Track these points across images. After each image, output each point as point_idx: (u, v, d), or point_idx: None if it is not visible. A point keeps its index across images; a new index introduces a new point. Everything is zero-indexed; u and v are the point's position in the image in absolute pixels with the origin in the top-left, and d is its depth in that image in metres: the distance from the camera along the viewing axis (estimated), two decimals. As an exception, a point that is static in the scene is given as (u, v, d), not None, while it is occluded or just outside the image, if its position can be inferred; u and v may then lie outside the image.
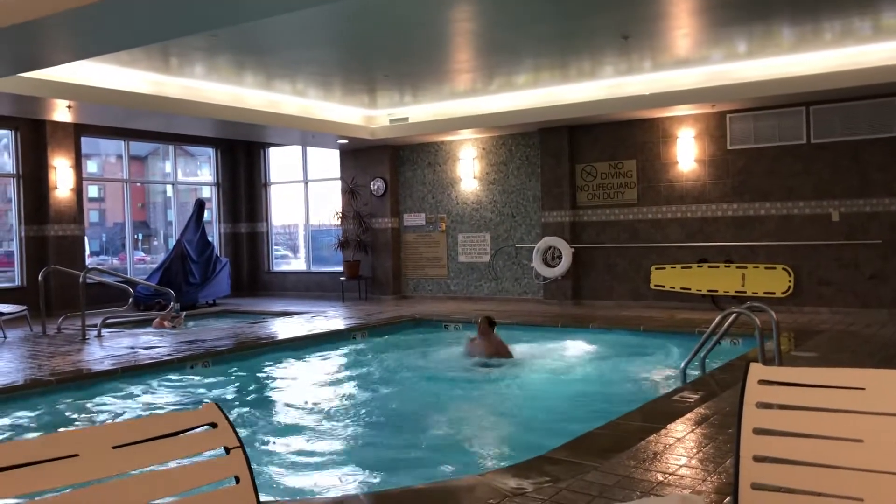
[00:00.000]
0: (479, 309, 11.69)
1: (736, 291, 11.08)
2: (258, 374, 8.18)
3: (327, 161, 15.56)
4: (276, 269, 16.53)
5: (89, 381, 7.12)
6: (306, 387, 7.76)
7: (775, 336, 6.09)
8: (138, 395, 7.05)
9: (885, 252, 10.35)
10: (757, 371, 2.11)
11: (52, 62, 8.04)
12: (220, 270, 14.37)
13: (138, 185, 15.90)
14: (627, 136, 12.21)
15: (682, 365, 6.63)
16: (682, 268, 11.69)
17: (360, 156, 14.78)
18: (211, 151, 16.21)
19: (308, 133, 12.99)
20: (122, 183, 14.63)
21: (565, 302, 12.62)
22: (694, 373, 6.66)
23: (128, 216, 14.60)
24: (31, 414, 6.34)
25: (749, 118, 11.24)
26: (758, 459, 2.05)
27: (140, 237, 16.21)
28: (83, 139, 13.37)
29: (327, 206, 15.50)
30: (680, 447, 4.30)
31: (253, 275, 16.49)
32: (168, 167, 15.74)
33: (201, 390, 7.45)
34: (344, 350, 9.47)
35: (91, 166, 15.08)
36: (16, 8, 6.16)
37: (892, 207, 10.32)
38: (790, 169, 10.96)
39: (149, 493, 1.82)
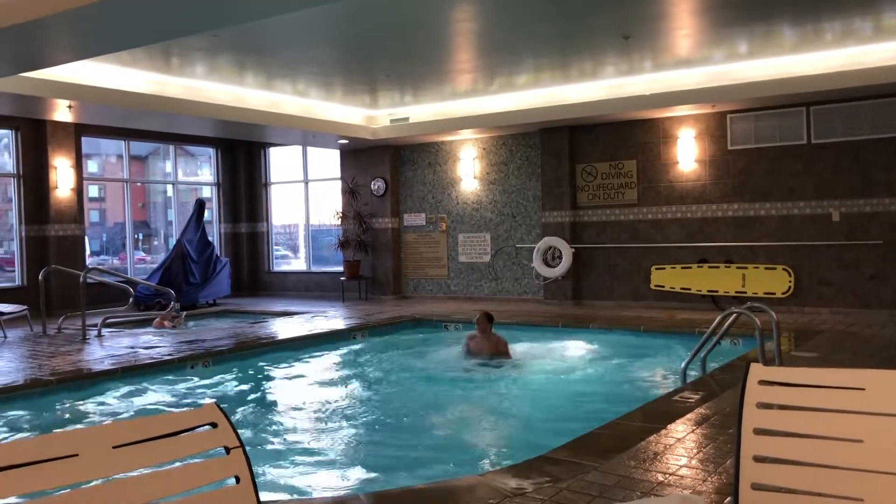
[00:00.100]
0: (479, 309, 11.68)
1: (736, 292, 11.08)
2: (258, 374, 8.18)
3: (328, 161, 15.56)
4: (276, 269, 16.54)
5: (89, 381, 7.12)
6: (306, 387, 7.76)
7: (775, 336, 6.09)
8: (138, 395, 7.05)
9: (885, 252, 10.34)
10: (757, 371, 2.11)
11: (52, 62, 8.05)
12: (220, 270, 14.37)
13: (139, 184, 15.90)
14: (628, 137, 12.20)
15: (683, 365, 6.62)
16: (683, 268, 11.68)
17: (360, 156, 14.78)
18: (211, 151, 16.21)
19: (309, 133, 12.99)
20: (122, 183, 14.63)
21: (565, 302, 12.61)
22: (694, 373, 6.65)
23: (128, 216, 14.60)
24: (32, 414, 6.35)
25: (750, 118, 11.23)
26: (758, 460, 2.05)
27: (140, 237, 16.22)
28: (84, 139, 13.38)
29: (328, 206, 15.51)
30: (680, 447, 4.30)
31: (253, 275, 16.49)
32: (168, 167, 15.74)
33: (201, 390, 7.45)
34: (344, 350, 9.47)
35: (91, 166, 15.08)
36: (17, 8, 6.16)
37: (892, 208, 10.32)
38: (791, 169, 10.96)
39: (149, 493, 1.83)
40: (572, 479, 3.74)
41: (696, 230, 11.70)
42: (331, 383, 7.91)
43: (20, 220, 12.56)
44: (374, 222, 14.72)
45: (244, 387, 7.65)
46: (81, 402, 6.75)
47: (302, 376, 8.28)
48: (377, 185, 14.64)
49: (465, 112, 12.56)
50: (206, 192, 16.23)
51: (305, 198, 16.05)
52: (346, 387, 7.74)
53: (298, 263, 16.60)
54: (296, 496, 4.41)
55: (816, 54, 9.70)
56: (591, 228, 12.60)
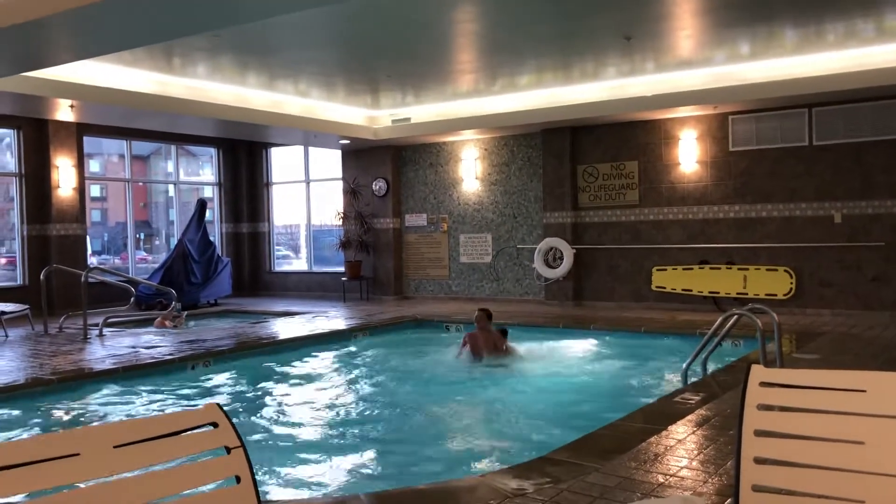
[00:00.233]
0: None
1: (737, 293, 11.08)
2: (259, 375, 8.17)
3: (329, 161, 15.57)
4: (277, 269, 16.54)
5: (90, 381, 7.13)
6: (307, 387, 7.76)
7: (777, 338, 6.09)
8: (139, 395, 7.05)
9: (887, 254, 10.34)
10: (758, 373, 2.11)
11: (54, 62, 8.05)
12: (221, 270, 14.37)
13: (140, 184, 15.91)
14: (629, 138, 12.20)
15: (684, 366, 6.62)
16: (684, 269, 11.68)
17: (361, 156, 14.79)
18: (213, 151, 16.22)
19: (310, 133, 13.00)
20: (124, 182, 14.64)
21: (566, 303, 12.61)
22: (695, 375, 6.65)
23: (130, 216, 14.62)
24: (33, 413, 6.35)
25: (751, 120, 11.23)
26: (759, 461, 2.05)
27: (142, 237, 16.23)
28: (85, 138, 13.39)
29: (329, 207, 15.51)
30: (681, 449, 4.30)
31: (254, 275, 16.50)
32: (170, 167, 15.75)
33: (202, 390, 7.46)
34: (345, 350, 9.47)
35: (93, 166, 15.09)
36: (18, 7, 6.17)
37: (894, 209, 10.31)
38: (792, 170, 10.95)
39: (149, 493, 1.83)
40: (573, 479, 3.74)
41: (697, 231, 11.70)
42: (332, 383, 7.91)
43: (22, 219, 12.58)
44: (375, 223, 14.72)
45: (245, 387, 7.66)
46: (82, 402, 6.76)
47: (303, 376, 8.28)
48: (378, 186, 14.65)
49: (467, 113, 12.56)
50: (208, 192, 16.24)
51: (307, 198, 16.05)
52: (346, 387, 7.74)
53: (300, 263, 16.60)
54: (296, 496, 4.41)
55: (818, 56, 9.70)
56: (593, 229, 12.60)
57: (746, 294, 10.95)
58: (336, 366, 8.86)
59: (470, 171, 13.84)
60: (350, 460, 5.26)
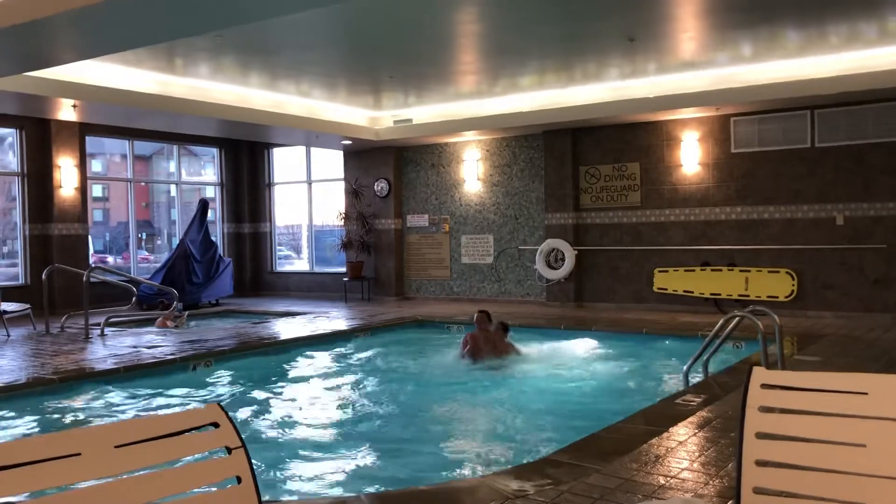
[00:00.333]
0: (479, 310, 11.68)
1: (739, 295, 11.06)
2: (260, 375, 8.17)
3: (331, 162, 15.58)
4: (278, 269, 16.55)
5: (92, 380, 7.13)
6: (309, 387, 7.76)
7: (778, 340, 6.08)
8: (140, 395, 7.05)
9: (889, 256, 10.33)
10: (760, 375, 2.11)
11: (57, 61, 8.06)
12: (223, 270, 14.38)
13: (142, 184, 15.93)
14: (631, 139, 12.20)
15: (685, 368, 6.61)
16: (686, 271, 11.67)
17: (363, 156, 14.79)
18: (215, 151, 16.23)
19: (312, 133, 13.01)
20: (126, 182, 14.65)
21: (568, 304, 12.61)
22: (696, 376, 6.64)
23: (132, 215, 14.63)
24: (34, 412, 6.35)
25: (753, 121, 11.22)
26: (760, 464, 2.04)
27: (144, 236, 16.24)
28: (88, 138, 13.40)
29: (331, 207, 15.52)
30: (682, 450, 4.30)
31: (256, 275, 16.51)
32: (172, 167, 15.77)
33: (203, 390, 7.46)
34: (346, 351, 9.47)
35: (95, 165, 15.11)
36: (21, 7, 6.18)
37: (896, 212, 10.31)
38: (794, 172, 10.94)
39: (151, 493, 1.83)
40: (574, 481, 3.73)
41: (699, 233, 11.69)
42: (333, 384, 7.91)
43: (24, 218, 12.59)
44: (377, 223, 14.73)
45: (246, 387, 7.65)
46: (84, 401, 6.76)
47: (304, 377, 8.29)
48: (380, 186, 14.65)
49: (469, 114, 12.57)
50: (210, 192, 16.25)
51: (309, 198, 16.06)
52: (347, 388, 7.74)
53: (301, 264, 16.61)
54: (297, 496, 4.41)
55: (821, 57, 9.69)
56: (594, 231, 12.60)
57: (748, 296, 10.93)
58: (337, 366, 8.86)
59: (472, 172, 13.84)
60: (351, 461, 5.26)
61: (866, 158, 10.46)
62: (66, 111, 10.97)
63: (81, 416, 6.44)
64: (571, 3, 7.51)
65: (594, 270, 12.59)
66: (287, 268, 16.66)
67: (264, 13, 6.39)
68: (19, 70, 8.35)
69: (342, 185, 15.18)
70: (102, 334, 9.71)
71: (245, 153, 16.32)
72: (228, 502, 1.96)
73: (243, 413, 6.46)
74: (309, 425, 6.25)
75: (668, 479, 3.78)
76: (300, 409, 6.83)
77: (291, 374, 8.39)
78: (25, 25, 6.26)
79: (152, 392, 7.16)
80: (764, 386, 2.10)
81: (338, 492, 4.54)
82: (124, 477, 1.81)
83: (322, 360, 9.01)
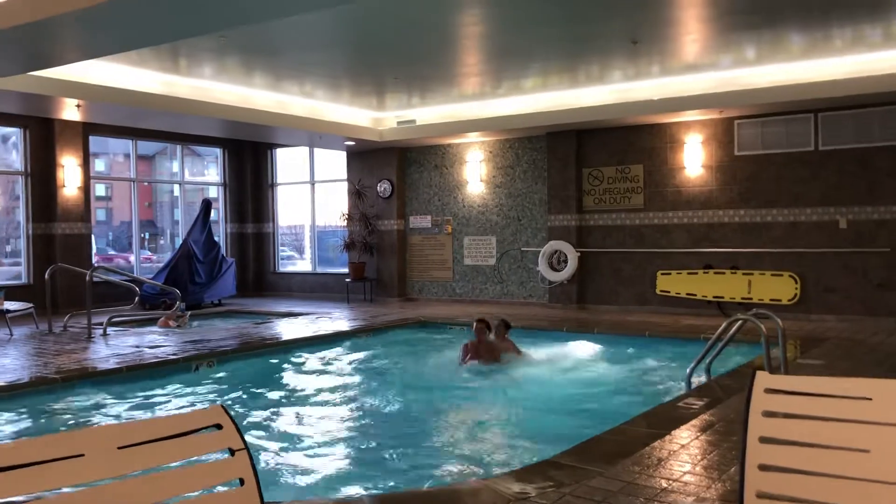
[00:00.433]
0: (484, 312, 11.68)
1: (742, 298, 11.04)
2: (263, 375, 8.18)
3: (334, 162, 15.59)
4: (281, 269, 16.56)
5: (94, 380, 7.13)
6: (311, 388, 7.76)
7: (781, 343, 6.07)
8: (142, 395, 7.06)
9: (892, 260, 10.31)
10: (763, 380, 2.11)
11: (61, 61, 8.08)
12: (225, 270, 14.39)
13: (145, 184, 15.95)
14: (635, 141, 12.19)
15: (688, 371, 6.60)
16: (688, 273, 11.66)
17: (366, 157, 14.80)
18: (218, 151, 16.25)
19: (315, 134, 13.02)
20: (129, 182, 14.67)
21: (570, 306, 12.60)
22: (699, 379, 6.63)
23: (134, 215, 14.64)
24: (36, 411, 6.36)
25: (757, 124, 11.21)
26: (763, 468, 2.04)
27: (146, 236, 16.26)
28: (91, 138, 13.42)
29: (334, 208, 15.52)
30: (684, 454, 4.29)
31: (258, 275, 16.52)
32: (175, 167, 15.79)
33: (205, 390, 7.46)
34: (348, 352, 9.47)
35: (99, 165, 15.14)
36: (26, 7, 6.19)
37: (900, 215, 10.29)
38: (798, 175, 10.93)
39: (154, 495, 1.83)
40: (576, 484, 3.73)
41: (702, 236, 11.68)
42: (335, 385, 7.90)
43: (27, 217, 12.61)
44: (379, 224, 14.73)
45: (248, 387, 7.65)
46: (86, 401, 6.76)
47: (306, 378, 8.28)
48: (383, 187, 14.65)
49: (472, 115, 12.57)
50: (213, 193, 16.26)
51: (311, 199, 16.07)
52: (350, 389, 7.74)
53: (304, 264, 16.62)
54: (299, 498, 4.41)
55: (825, 60, 9.68)
56: (597, 233, 12.59)
57: (751, 299, 10.91)
58: (339, 367, 8.86)
59: (475, 174, 13.84)
60: (353, 462, 5.26)
61: (871, 162, 10.44)
62: (70, 111, 10.99)
63: (83, 416, 6.45)
64: (575, 6, 7.50)
65: (597, 272, 12.58)
66: (290, 268, 16.67)
67: (268, 14, 6.40)
68: (24, 69, 8.37)
69: (345, 185, 15.19)
70: (105, 334, 9.72)
71: (248, 153, 16.33)
72: (231, 504, 1.97)
73: (244, 413, 6.46)
74: (311, 426, 6.25)
75: (671, 482, 3.78)
76: (302, 409, 6.83)
77: (293, 374, 8.39)
78: (30, 25, 6.27)
79: (154, 392, 7.17)
80: (767, 390, 2.09)
81: (340, 493, 4.53)
82: (127, 478, 1.81)
83: (324, 360, 9.01)
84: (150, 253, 16.03)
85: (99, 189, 15.77)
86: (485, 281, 13.83)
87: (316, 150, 15.66)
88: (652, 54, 9.44)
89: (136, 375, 7.41)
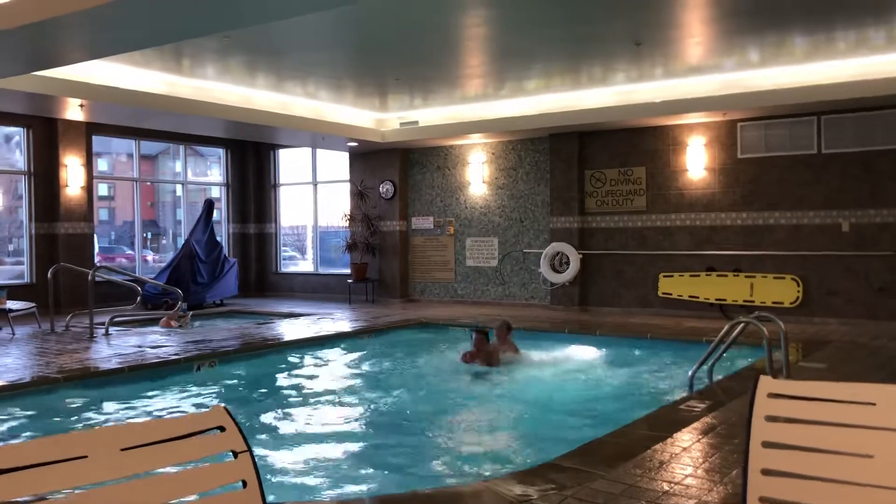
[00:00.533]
0: (485, 313, 11.69)
1: (744, 301, 11.03)
2: (264, 376, 8.18)
3: (336, 163, 15.59)
4: (283, 270, 16.57)
5: (96, 380, 7.14)
6: (312, 389, 7.76)
7: (783, 346, 6.07)
8: (145, 395, 7.06)
9: (894, 264, 10.29)
10: (766, 384, 2.10)
11: (65, 61, 8.09)
12: (227, 271, 14.40)
13: (148, 184, 15.96)
14: (637, 143, 12.19)
15: (689, 374, 6.59)
16: (691, 276, 11.65)
17: (369, 158, 14.80)
18: (221, 152, 16.26)
19: (318, 135, 13.02)
20: (132, 182, 14.69)
21: (572, 308, 12.59)
22: (701, 381, 6.62)
23: (137, 215, 14.66)
24: (38, 411, 6.36)
25: (760, 127, 11.20)
26: (766, 473, 2.04)
27: (149, 236, 16.28)
28: (94, 138, 13.44)
29: (336, 208, 15.53)
30: (686, 456, 4.28)
31: (260, 275, 16.53)
32: (178, 167, 15.80)
33: (207, 390, 7.47)
34: (350, 352, 9.47)
35: (102, 165, 15.15)
36: (31, 7, 6.20)
37: (902, 219, 10.28)
38: (801, 178, 10.92)
39: (157, 497, 1.83)
40: (578, 486, 3.73)
41: (704, 238, 11.67)
42: (336, 386, 7.91)
43: (30, 217, 12.63)
44: (381, 225, 14.73)
45: (250, 388, 7.66)
46: (88, 401, 6.77)
47: (308, 378, 8.29)
48: (386, 188, 14.66)
49: (475, 116, 12.57)
50: (215, 193, 16.28)
51: (314, 199, 16.08)
52: (351, 389, 7.74)
53: (306, 265, 16.63)
54: (301, 499, 4.41)
55: (828, 63, 9.67)
56: (599, 235, 12.58)
57: (753, 302, 10.91)
58: (341, 368, 8.87)
59: (477, 175, 13.84)
60: (355, 463, 5.26)
61: (874, 165, 10.43)
62: (74, 111, 11.00)
63: (85, 416, 6.45)
64: (578, 7, 7.50)
65: (599, 274, 12.58)
66: (292, 269, 16.68)
67: (271, 15, 6.40)
68: (27, 69, 8.38)
69: (347, 186, 15.20)
70: (107, 333, 9.73)
71: (251, 154, 16.34)
72: (233, 506, 1.97)
73: (245, 414, 6.46)
74: (313, 427, 6.25)
75: (673, 485, 3.77)
76: (304, 410, 6.83)
77: (295, 375, 8.39)
78: (34, 25, 6.28)
79: (156, 392, 7.17)
80: (771, 395, 2.09)
81: (342, 495, 4.53)
82: (130, 480, 1.81)
83: (326, 361, 9.01)
84: (152, 253, 16.03)
85: (101, 189, 15.79)
86: (487, 282, 13.83)
87: (318, 150, 15.67)
88: (655, 56, 9.44)
89: (137, 375, 7.41)
